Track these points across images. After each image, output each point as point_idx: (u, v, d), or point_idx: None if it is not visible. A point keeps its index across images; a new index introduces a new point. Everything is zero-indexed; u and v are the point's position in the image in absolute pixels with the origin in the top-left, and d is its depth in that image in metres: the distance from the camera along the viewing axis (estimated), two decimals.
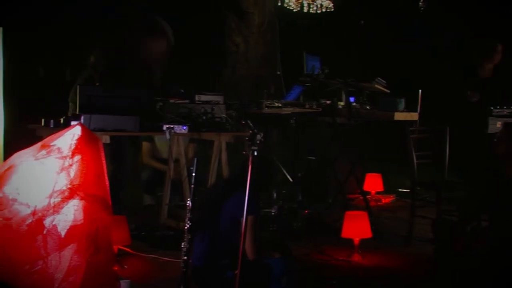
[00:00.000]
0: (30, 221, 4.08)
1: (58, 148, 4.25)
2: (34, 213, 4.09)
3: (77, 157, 4.21)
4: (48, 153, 4.24)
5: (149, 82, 5.90)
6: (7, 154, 4.97)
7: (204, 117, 5.57)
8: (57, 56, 11.25)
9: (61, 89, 6.32)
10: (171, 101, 5.67)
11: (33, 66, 11.46)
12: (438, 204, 5.76)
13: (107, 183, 4.37)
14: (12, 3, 10.15)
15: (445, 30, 11.24)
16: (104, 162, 4.39)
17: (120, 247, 5.08)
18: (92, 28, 10.84)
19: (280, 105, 6.89)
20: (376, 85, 7.10)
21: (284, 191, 6.98)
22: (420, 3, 8.35)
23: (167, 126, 5.32)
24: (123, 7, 6.76)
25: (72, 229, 4.11)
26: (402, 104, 7.12)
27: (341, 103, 7.29)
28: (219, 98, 5.81)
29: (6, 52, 5.65)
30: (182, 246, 4.01)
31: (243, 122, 4.18)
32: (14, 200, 4.15)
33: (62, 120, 5.26)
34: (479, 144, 6.44)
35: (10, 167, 4.26)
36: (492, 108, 6.70)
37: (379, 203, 7.51)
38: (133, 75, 5.82)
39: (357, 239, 5.38)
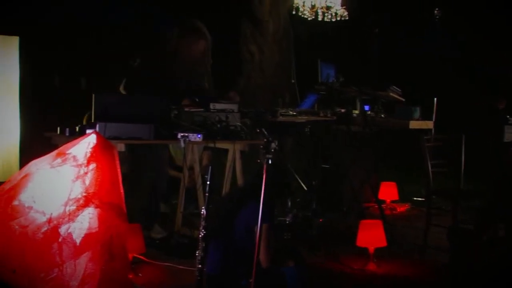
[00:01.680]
0: (45, 229, 4.10)
1: (74, 156, 4.27)
2: (49, 221, 4.11)
3: (92, 165, 4.23)
4: (64, 161, 4.27)
5: (194, 83, 5.96)
6: (23, 162, 5.00)
7: (218, 126, 5.57)
8: (73, 64, 11.33)
9: (76, 97, 6.35)
10: (186, 109, 5.69)
11: (48, 74, 11.53)
12: (455, 212, 5.72)
13: (122, 190, 4.39)
14: (29, 12, 10.23)
15: (459, 37, 11.20)
16: (119, 170, 4.40)
17: (135, 255, 5.09)
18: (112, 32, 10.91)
19: (294, 113, 6.89)
20: (391, 94, 7.09)
21: (298, 199, 6.96)
22: (435, 12, 8.34)
23: (182, 134, 5.33)
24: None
25: (87, 237, 4.13)
26: (417, 113, 7.10)
27: (356, 112, 7.28)
28: (233, 107, 5.82)
29: (22, 60, 5.71)
30: (197, 254, 4.01)
31: (258, 130, 4.19)
32: (30, 208, 4.17)
33: (77, 128, 5.29)
34: (495, 153, 6.41)
35: (26, 175, 4.29)
36: (508, 116, 6.66)
37: (394, 211, 7.47)
38: (174, 79, 5.85)
39: (372, 247, 5.36)
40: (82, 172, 4.21)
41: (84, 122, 5.53)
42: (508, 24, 10.12)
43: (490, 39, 10.22)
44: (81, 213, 4.14)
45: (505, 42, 9.89)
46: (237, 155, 5.78)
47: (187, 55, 5.91)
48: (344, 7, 8.23)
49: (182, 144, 5.38)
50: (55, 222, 4.11)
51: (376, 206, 6.94)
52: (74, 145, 4.35)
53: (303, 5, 8.21)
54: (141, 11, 11.15)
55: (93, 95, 5.31)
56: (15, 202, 4.20)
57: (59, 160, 4.28)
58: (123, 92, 5.97)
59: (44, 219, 4.13)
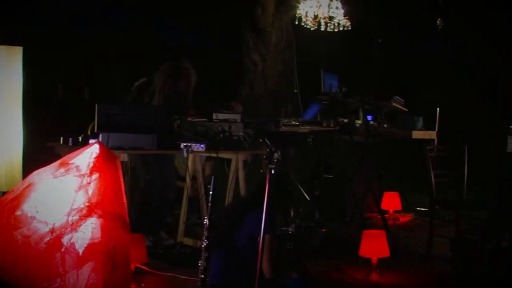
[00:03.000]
0: (48, 238, 4.11)
1: (77, 166, 4.28)
2: (52, 230, 4.12)
3: (95, 175, 4.24)
4: (67, 171, 4.27)
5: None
6: (26, 172, 5.01)
7: (221, 135, 5.58)
8: (76, 75, 11.37)
9: (79, 107, 6.36)
10: (189, 119, 5.70)
11: (52, 84, 11.58)
12: (458, 223, 5.71)
13: (124, 200, 4.39)
14: (32, 22, 10.28)
15: (460, 37, 11.18)
16: (122, 180, 4.41)
17: (137, 265, 5.08)
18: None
19: (297, 123, 6.90)
20: (394, 104, 7.09)
21: (301, 209, 6.95)
22: (438, 22, 8.34)
23: (185, 144, 5.34)
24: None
25: (90, 247, 4.13)
26: (420, 123, 7.11)
27: (359, 121, 7.28)
28: (236, 117, 5.83)
29: (26, 70, 5.73)
30: (199, 264, 4.01)
31: (261, 140, 4.19)
32: (33, 217, 4.17)
33: (80, 138, 5.30)
34: (498, 163, 6.40)
35: (29, 185, 4.30)
36: (511, 126, 6.66)
37: (397, 221, 7.46)
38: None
39: (375, 258, 5.34)
40: (85, 182, 4.21)
41: (89, 132, 5.55)
42: (508, 24, 10.11)
43: (490, 39, 10.21)
44: (84, 223, 4.14)
45: (505, 42, 9.88)
46: (240, 165, 5.78)
47: (165, 88, 5.96)
48: (347, 17, 8.25)
49: (185, 154, 5.39)
50: (58, 232, 4.11)
51: (379, 216, 6.94)
52: (77, 155, 4.36)
53: (306, 15, 8.23)
54: (141, 11, 11.19)
55: (96, 105, 5.32)
56: (18, 212, 4.20)
57: (62, 170, 4.29)
58: None
59: (47, 229, 4.13)
